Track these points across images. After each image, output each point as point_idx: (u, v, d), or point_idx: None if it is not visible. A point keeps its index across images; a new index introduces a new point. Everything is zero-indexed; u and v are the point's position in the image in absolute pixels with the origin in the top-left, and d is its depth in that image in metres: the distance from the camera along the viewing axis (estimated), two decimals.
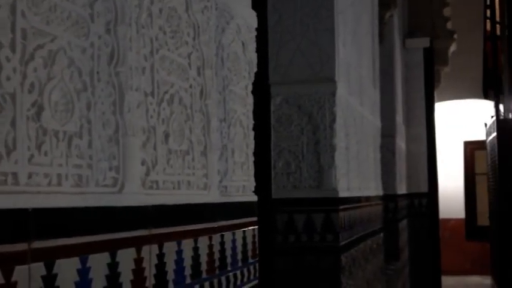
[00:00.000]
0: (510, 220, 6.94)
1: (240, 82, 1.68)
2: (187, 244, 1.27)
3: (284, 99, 2.89)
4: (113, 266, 0.99)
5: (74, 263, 0.89)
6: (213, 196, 1.43)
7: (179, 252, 1.23)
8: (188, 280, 1.28)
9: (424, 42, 7.97)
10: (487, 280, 9.85)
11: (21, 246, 0.78)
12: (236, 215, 1.59)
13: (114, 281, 0.99)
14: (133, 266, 1.05)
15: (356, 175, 3.42)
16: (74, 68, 0.93)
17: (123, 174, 1.04)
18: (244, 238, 1.64)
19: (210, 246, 1.40)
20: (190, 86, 1.34)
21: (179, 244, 1.23)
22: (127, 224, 1.04)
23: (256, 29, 1.82)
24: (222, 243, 1.48)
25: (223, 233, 1.48)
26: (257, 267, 1.74)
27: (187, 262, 1.27)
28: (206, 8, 1.44)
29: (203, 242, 1.36)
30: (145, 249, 1.09)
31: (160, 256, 1.15)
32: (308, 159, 2.85)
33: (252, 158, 1.76)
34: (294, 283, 2.80)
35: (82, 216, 0.91)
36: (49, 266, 0.83)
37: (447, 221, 11.58)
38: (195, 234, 1.32)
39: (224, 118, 1.56)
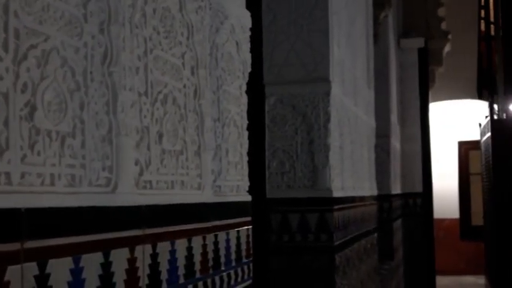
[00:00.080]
0: (504, 220, 6.96)
1: (234, 82, 1.68)
2: (180, 244, 1.27)
3: (278, 99, 2.89)
4: (106, 265, 0.99)
5: (67, 262, 0.89)
6: (206, 196, 1.43)
7: (173, 252, 1.23)
8: (182, 280, 1.28)
9: (419, 42, 8.00)
10: (481, 280, 9.87)
11: (13, 246, 0.78)
12: (230, 214, 1.59)
13: (107, 281, 0.99)
14: (126, 266, 1.05)
15: (350, 175, 3.43)
16: (67, 68, 0.93)
17: (117, 174, 1.04)
18: (238, 238, 1.64)
19: (204, 246, 1.40)
20: (184, 86, 1.34)
21: (173, 244, 1.23)
22: (120, 224, 1.04)
23: (251, 29, 1.82)
24: (216, 243, 1.48)
25: (217, 233, 1.48)
26: (251, 267, 1.74)
27: (181, 262, 1.27)
28: (200, 8, 1.44)
29: (197, 241, 1.36)
30: (138, 249, 1.09)
31: (154, 256, 1.15)
32: (302, 159, 2.85)
33: (246, 158, 1.76)
34: (288, 283, 2.80)
35: (75, 216, 0.91)
36: (42, 266, 0.83)
37: (441, 220, 11.61)
38: (188, 234, 1.32)
39: (218, 118, 1.56)
